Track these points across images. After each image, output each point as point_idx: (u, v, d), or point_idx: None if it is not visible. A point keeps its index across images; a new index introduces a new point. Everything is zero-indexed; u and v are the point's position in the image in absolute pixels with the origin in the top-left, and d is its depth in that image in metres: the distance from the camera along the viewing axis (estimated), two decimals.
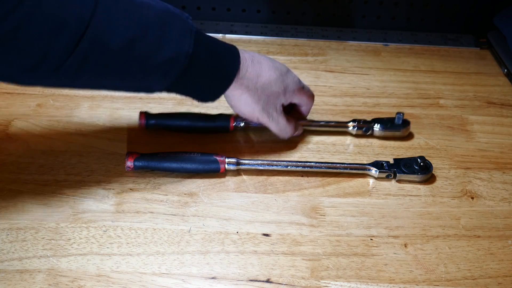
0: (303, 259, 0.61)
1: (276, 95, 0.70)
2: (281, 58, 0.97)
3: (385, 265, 0.61)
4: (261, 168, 0.72)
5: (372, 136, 0.79)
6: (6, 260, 0.59)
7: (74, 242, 0.61)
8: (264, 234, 0.64)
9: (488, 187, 0.72)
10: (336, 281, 0.59)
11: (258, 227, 0.65)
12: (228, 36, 1.04)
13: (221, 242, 0.63)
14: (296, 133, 0.77)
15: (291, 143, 0.78)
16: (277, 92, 0.70)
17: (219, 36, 1.04)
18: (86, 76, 0.55)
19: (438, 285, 0.59)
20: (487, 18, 1.05)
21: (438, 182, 0.73)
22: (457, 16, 1.07)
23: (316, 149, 0.77)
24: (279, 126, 0.73)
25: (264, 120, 0.71)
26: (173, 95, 0.87)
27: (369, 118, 0.81)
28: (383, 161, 0.73)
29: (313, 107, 0.78)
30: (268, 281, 0.59)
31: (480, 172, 0.75)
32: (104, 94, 0.84)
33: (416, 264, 0.61)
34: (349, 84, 0.92)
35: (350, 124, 0.79)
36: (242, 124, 0.77)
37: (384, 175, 0.72)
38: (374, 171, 0.72)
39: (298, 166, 0.72)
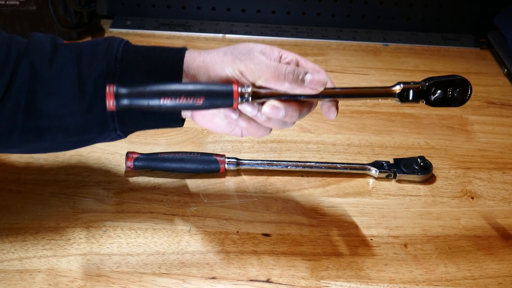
0: (303, 259, 0.61)
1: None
2: None
3: (385, 265, 0.61)
4: (261, 168, 0.72)
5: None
6: (6, 260, 0.59)
7: (74, 242, 0.61)
8: (264, 234, 0.64)
9: (488, 187, 0.72)
10: (336, 281, 0.59)
11: (258, 227, 0.65)
12: (228, 36, 1.04)
13: (221, 242, 0.63)
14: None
15: (291, 143, 0.78)
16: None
17: (219, 36, 1.04)
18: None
19: (438, 285, 0.59)
20: (487, 18, 1.05)
21: (438, 182, 0.73)
22: (457, 16, 1.07)
23: (316, 149, 0.77)
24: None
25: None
26: None
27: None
28: (383, 161, 0.73)
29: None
30: (268, 281, 0.59)
31: (480, 172, 0.75)
32: None
33: (416, 264, 0.61)
34: (349, 84, 0.92)
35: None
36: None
37: (384, 175, 0.72)
38: (374, 171, 0.72)
39: (298, 166, 0.72)
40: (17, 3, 0.94)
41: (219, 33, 1.04)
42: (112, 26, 1.04)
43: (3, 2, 0.93)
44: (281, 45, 1.02)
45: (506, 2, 1.02)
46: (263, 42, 1.03)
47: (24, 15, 0.95)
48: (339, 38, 1.05)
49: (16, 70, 0.53)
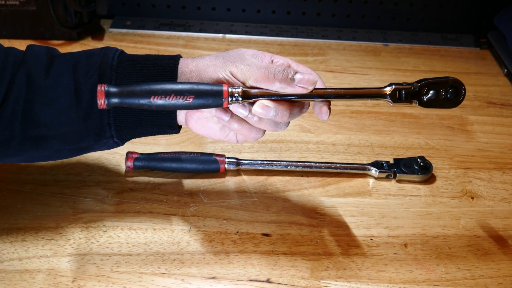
0: (303, 259, 0.61)
1: None
2: None
3: (385, 265, 0.61)
4: (261, 168, 0.72)
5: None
6: (6, 260, 0.59)
7: (74, 242, 0.61)
8: (264, 234, 0.64)
9: (488, 187, 0.72)
10: (336, 281, 0.59)
11: (258, 227, 0.65)
12: (228, 36, 1.04)
13: (221, 242, 0.63)
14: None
15: (291, 143, 0.78)
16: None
17: (219, 36, 1.04)
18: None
19: (438, 285, 0.59)
20: (487, 18, 1.05)
21: (438, 182, 0.73)
22: (457, 16, 1.07)
23: (316, 149, 0.77)
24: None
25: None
26: None
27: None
28: (383, 161, 0.73)
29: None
30: (268, 281, 0.59)
31: (480, 172, 0.75)
32: None
33: (416, 264, 0.61)
34: (349, 84, 0.92)
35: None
36: None
37: (384, 175, 0.72)
38: (374, 171, 0.72)
39: (298, 166, 0.72)
40: (17, 3, 0.94)
41: (219, 33, 1.04)
42: (112, 26, 1.04)
43: (3, 2, 0.93)
44: (281, 45, 1.02)
45: (506, 2, 1.02)
46: (263, 42, 1.03)
47: (24, 15, 0.95)
48: (339, 38, 1.05)
49: (13, 80, 0.54)
